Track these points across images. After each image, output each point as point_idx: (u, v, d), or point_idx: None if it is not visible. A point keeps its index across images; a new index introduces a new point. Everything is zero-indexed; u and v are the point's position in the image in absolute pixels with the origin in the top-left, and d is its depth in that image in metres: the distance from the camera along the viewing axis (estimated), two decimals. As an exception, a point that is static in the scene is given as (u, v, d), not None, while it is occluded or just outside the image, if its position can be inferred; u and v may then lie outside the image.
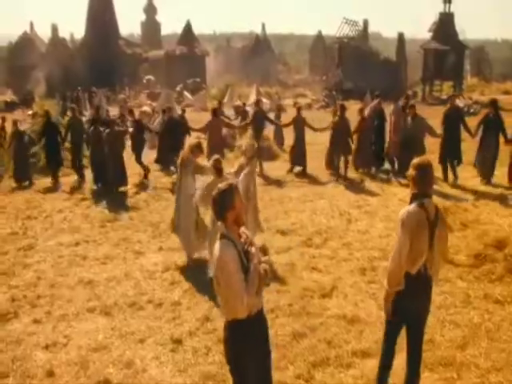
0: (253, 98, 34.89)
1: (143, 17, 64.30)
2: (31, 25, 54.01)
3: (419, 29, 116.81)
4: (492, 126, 10.36)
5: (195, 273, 6.49)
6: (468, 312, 5.35)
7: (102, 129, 10.94)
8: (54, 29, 50.00)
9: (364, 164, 11.91)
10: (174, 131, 12.32)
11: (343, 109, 11.44)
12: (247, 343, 3.14)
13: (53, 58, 45.67)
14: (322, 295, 5.73)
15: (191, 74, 44.63)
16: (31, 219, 9.07)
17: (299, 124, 12.36)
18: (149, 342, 4.93)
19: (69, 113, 15.76)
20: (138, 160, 11.97)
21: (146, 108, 25.19)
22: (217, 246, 3.06)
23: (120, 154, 10.89)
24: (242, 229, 3.17)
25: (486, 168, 10.58)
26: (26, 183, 11.82)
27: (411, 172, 3.65)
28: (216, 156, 6.32)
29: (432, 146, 11.10)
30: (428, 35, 43.02)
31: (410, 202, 3.61)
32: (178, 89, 37.99)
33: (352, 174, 11.66)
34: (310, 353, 4.62)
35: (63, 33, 55.64)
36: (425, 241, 3.50)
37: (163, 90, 28.40)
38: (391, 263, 3.58)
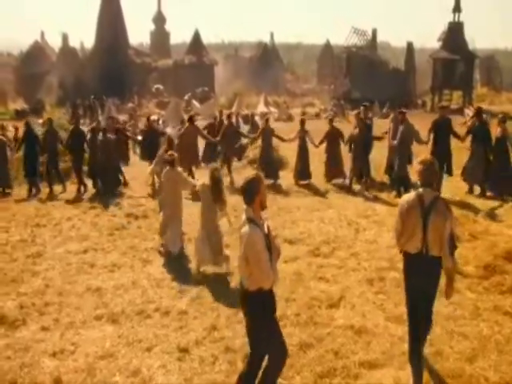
0: (261, 107, 35.13)
1: (152, 26, 64.90)
2: (42, 34, 54.87)
3: (428, 38, 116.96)
4: (479, 135, 10.26)
5: (202, 282, 6.50)
6: (477, 324, 5.30)
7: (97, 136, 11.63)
8: (65, 38, 50.70)
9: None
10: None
11: (361, 121, 11.38)
12: (269, 309, 3.69)
13: (63, 67, 46.23)
14: (329, 305, 5.71)
15: (200, 83, 44.95)
16: (40, 227, 9.13)
17: (267, 135, 12.36)
18: (156, 351, 4.93)
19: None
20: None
21: (154, 117, 25.38)
22: (246, 228, 3.55)
23: (113, 160, 11.47)
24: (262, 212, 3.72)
25: (476, 178, 10.44)
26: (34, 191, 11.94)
27: (417, 166, 4.24)
28: (171, 152, 7.79)
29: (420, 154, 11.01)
30: (437, 45, 43.07)
31: (413, 190, 4.22)
32: (186, 98, 38.27)
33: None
34: (317, 363, 4.59)
35: (73, 42, 56.35)
36: (415, 223, 4.02)
37: (172, 99, 28.65)
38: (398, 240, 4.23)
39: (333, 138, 11.95)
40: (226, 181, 10.10)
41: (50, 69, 47.27)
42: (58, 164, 12.13)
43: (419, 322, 4.22)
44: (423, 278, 4.10)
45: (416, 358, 4.21)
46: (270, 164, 12.12)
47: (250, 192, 3.62)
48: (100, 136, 11.75)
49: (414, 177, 10.14)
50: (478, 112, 10.60)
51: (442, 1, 46.22)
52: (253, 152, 14.28)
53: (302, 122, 12.46)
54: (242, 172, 13.41)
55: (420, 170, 4.15)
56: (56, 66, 48.09)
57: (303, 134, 12.19)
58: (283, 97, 46.30)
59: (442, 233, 4.01)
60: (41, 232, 8.81)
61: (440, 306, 5.63)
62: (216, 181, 6.53)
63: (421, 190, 4.09)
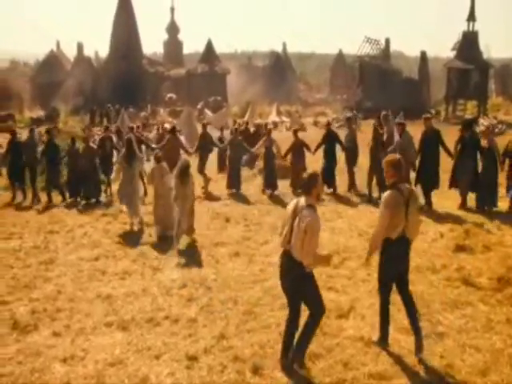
0: (273, 116, 35.25)
1: (166, 36, 65.62)
2: (58, 44, 55.71)
3: (442, 47, 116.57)
4: (468, 147, 10.08)
5: (212, 290, 6.52)
6: (490, 337, 5.23)
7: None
8: (80, 47, 51.47)
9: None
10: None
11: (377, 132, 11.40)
12: (314, 276, 4.59)
13: (78, 76, 46.90)
14: (338, 316, 5.68)
15: (212, 92, 45.27)
16: (53, 233, 9.23)
17: (235, 146, 12.43)
18: (164, 358, 4.94)
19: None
20: None
21: (167, 125, 25.59)
22: (307, 211, 4.31)
23: (94, 169, 11.66)
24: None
25: (467, 187, 10.28)
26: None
27: (387, 168, 4.79)
28: (157, 151, 9.77)
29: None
30: (451, 54, 42.92)
31: (390, 188, 4.73)
32: (199, 107, 38.56)
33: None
34: (326, 374, 4.56)
35: (88, 51, 57.12)
36: (402, 214, 4.64)
37: (184, 108, 28.85)
38: (374, 231, 4.83)
39: (299, 148, 12.23)
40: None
41: (65, 78, 47.98)
42: (57, 174, 12.18)
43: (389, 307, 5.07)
44: (403, 258, 4.83)
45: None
46: (236, 177, 12.28)
47: (309, 184, 4.41)
48: (77, 145, 12.15)
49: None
50: (468, 123, 10.42)
51: (456, 10, 46.28)
52: (262, 162, 14.37)
53: (269, 132, 12.63)
54: (252, 181, 13.47)
55: (391, 169, 4.74)
56: (71, 74, 48.81)
57: (269, 144, 12.31)
58: (295, 106, 46.41)
59: (417, 218, 4.88)
60: (54, 239, 8.91)
61: (452, 319, 5.60)
62: (184, 166, 8.17)
63: (400, 186, 4.71)
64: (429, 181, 10.34)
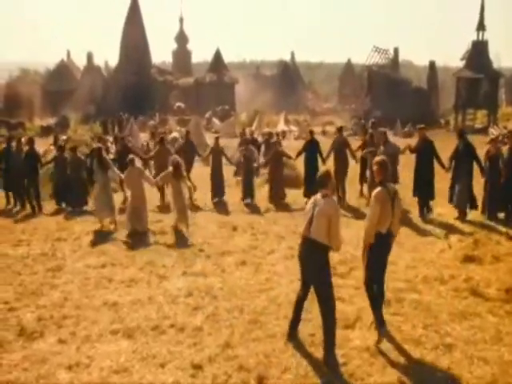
0: (281, 125, 35.31)
1: (175, 45, 66.20)
2: (68, 53, 56.43)
3: (451, 57, 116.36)
4: (463, 157, 10.00)
5: (218, 299, 6.50)
6: (498, 349, 5.16)
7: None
8: (90, 57, 52.04)
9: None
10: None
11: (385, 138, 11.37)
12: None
13: (87, 85, 47.36)
14: (345, 326, 5.64)
15: (220, 101, 45.49)
16: (61, 241, 9.28)
17: (216, 155, 12.47)
18: (169, 367, 4.93)
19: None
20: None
21: (175, 134, 25.73)
22: (325, 200, 4.90)
23: (81, 178, 11.82)
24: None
25: (461, 201, 10.16)
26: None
27: (375, 167, 5.32)
28: (131, 156, 10.16)
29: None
30: (461, 63, 42.81)
31: (379, 186, 5.22)
32: (207, 116, 38.73)
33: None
34: (331, 385, 4.52)
35: (98, 60, 57.76)
36: (389, 210, 5.12)
37: (192, 117, 28.99)
38: (367, 226, 5.20)
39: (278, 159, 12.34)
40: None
41: (75, 86, 48.48)
42: (36, 184, 12.14)
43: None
44: (389, 252, 5.40)
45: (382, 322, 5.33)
46: (219, 185, 12.34)
47: (324, 180, 4.98)
48: (66, 154, 12.32)
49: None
50: (461, 133, 10.34)
51: (465, 19, 46.33)
52: (263, 171, 14.46)
53: (247, 142, 12.84)
54: (260, 190, 13.47)
55: (379, 169, 5.26)
56: (81, 83, 49.31)
57: (250, 154, 12.45)
58: (304, 115, 46.45)
59: (400, 215, 5.42)
60: (61, 246, 8.95)
61: (460, 330, 5.54)
62: (176, 164, 9.53)
63: (387, 184, 5.22)
64: (424, 192, 10.37)
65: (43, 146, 18.95)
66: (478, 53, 39.69)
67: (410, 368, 4.79)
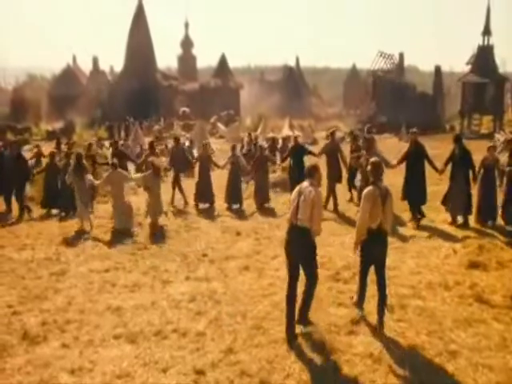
0: (285, 130, 35.31)
1: (180, 51, 66.53)
2: (74, 58, 56.79)
3: (457, 61, 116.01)
4: (459, 162, 9.94)
5: (221, 304, 6.49)
6: (503, 356, 5.12)
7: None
8: (95, 62, 52.37)
9: None
10: None
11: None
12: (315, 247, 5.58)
13: (93, 90, 47.63)
14: (348, 332, 5.61)
15: (225, 105, 45.61)
16: (65, 245, 9.31)
17: (204, 161, 12.53)
18: (171, 372, 4.92)
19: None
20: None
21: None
22: (311, 188, 5.38)
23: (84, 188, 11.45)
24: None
25: (459, 207, 10.08)
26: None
27: (370, 167, 5.76)
28: (114, 160, 11.17)
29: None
30: (466, 68, 42.71)
31: (370, 185, 5.64)
32: (211, 120, 38.80)
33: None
34: (334, 391, 4.50)
35: (104, 65, 58.03)
36: (379, 207, 5.48)
37: (197, 122, 29.05)
38: (359, 222, 5.62)
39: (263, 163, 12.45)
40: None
41: (81, 91, 48.75)
42: (20, 187, 12.08)
43: (367, 281, 5.99)
44: (381, 244, 5.67)
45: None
46: (206, 190, 12.31)
47: (312, 171, 5.55)
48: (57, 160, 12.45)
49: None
50: (457, 139, 10.27)
51: (471, 24, 46.34)
52: (272, 175, 14.46)
53: (233, 148, 12.80)
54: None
55: (372, 169, 5.70)
56: (86, 88, 49.59)
57: (235, 160, 12.44)
58: (308, 120, 46.42)
59: (391, 212, 5.72)
60: (65, 250, 8.98)
61: (464, 337, 5.50)
62: (156, 165, 10.55)
63: (378, 183, 5.60)
64: (416, 196, 10.30)
65: (49, 150, 19.02)
66: (484, 58, 39.58)
67: (414, 375, 4.76)
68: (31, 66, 67.45)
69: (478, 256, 7.94)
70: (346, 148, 13.55)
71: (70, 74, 53.44)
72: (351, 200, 12.43)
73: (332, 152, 11.97)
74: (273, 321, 5.94)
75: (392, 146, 23.52)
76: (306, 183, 5.49)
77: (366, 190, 5.62)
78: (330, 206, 11.66)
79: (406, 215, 10.58)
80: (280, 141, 20.85)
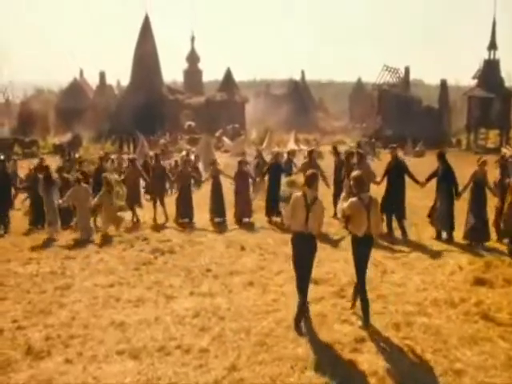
0: (291, 144, 35.41)
1: (186, 65, 67.09)
2: (81, 72, 57.40)
3: (463, 75, 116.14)
4: (443, 179, 10.02)
5: (225, 320, 6.47)
6: (509, 375, 5.06)
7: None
8: (102, 76, 52.88)
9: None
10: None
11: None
12: None
13: (100, 104, 48.06)
14: (353, 349, 5.57)
15: (231, 119, 45.83)
16: (70, 259, 9.33)
17: (183, 177, 12.57)
18: (174, 389, 4.89)
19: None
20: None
21: (184, 153, 25.87)
22: (319, 202, 6.16)
23: (52, 200, 11.60)
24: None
25: (442, 223, 10.14)
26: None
27: (352, 181, 6.35)
28: (79, 173, 11.99)
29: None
30: (472, 82, 42.75)
31: (354, 196, 6.23)
32: (217, 134, 39.00)
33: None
34: (338, 410, 4.45)
35: (110, 79, 58.50)
36: (363, 217, 6.05)
37: (202, 136, 29.20)
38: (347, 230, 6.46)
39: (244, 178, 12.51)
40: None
41: (88, 105, 49.18)
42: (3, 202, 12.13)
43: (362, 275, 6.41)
44: (366, 249, 6.24)
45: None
46: (186, 205, 12.26)
47: (312, 180, 6.16)
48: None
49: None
50: (441, 155, 10.34)
51: (476, 38, 46.47)
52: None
53: (214, 162, 12.98)
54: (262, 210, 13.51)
55: (354, 183, 6.25)
56: (93, 102, 50.04)
57: (216, 174, 12.55)
58: (314, 134, 46.56)
59: (378, 219, 6.42)
60: (70, 264, 9.00)
61: (470, 355, 5.44)
62: (108, 182, 11.39)
63: (361, 195, 6.14)
64: (395, 211, 10.42)
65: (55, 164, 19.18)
66: (490, 72, 39.67)
67: (419, 394, 4.71)
68: (38, 79, 68.26)
69: (484, 273, 7.88)
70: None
71: (76, 88, 53.99)
72: (335, 215, 12.14)
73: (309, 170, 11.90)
74: (277, 338, 5.91)
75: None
76: (310, 194, 6.05)
77: (349, 201, 6.33)
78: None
79: (412, 231, 10.56)
80: (285, 155, 20.84)
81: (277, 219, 12.08)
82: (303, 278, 6.21)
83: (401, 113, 43.49)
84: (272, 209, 12.13)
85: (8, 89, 55.42)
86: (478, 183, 9.94)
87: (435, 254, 9.16)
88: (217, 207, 12.28)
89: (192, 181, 13.44)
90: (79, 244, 10.46)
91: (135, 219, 12.40)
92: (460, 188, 10.11)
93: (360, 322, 6.25)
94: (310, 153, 12.45)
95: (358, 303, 6.76)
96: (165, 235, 11.05)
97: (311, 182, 6.20)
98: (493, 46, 40.08)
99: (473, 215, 9.85)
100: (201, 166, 23.33)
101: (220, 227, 11.86)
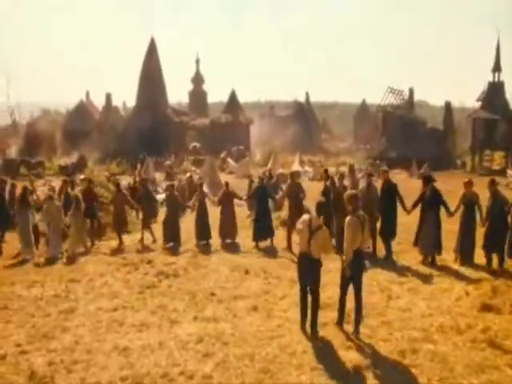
0: (296, 165, 35.50)
1: (191, 86, 67.75)
2: (87, 94, 58.04)
3: (467, 96, 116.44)
4: (430, 203, 9.99)
5: (229, 345, 6.42)
6: (518, 405, 4.97)
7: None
8: (108, 97, 53.39)
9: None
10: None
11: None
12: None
13: (106, 125, 48.47)
14: (357, 377, 5.51)
15: (235, 141, 46.02)
16: (74, 282, 9.32)
17: (171, 200, 12.61)
18: (178, 418, 4.83)
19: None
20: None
21: (189, 174, 25.97)
22: (323, 228, 6.68)
23: (27, 221, 11.73)
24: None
25: (427, 247, 10.09)
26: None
27: (347, 200, 6.74)
28: (49, 193, 12.56)
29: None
30: (477, 103, 42.84)
31: (350, 214, 6.57)
32: (221, 156, 39.14)
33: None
34: None
35: (116, 101, 58.92)
36: (360, 233, 6.50)
37: (207, 158, 29.31)
38: (346, 246, 6.55)
39: (229, 199, 12.60)
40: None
41: (94, 126, 49.61)
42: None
43: (346, 294, 6.88)
44: (359, 263, 6.67)
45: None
46: (173, 230, 12.25)
47: (319, 209, 7.34)
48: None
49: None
50: (428, 179, 10.36)
51: (481, 59, 46.84)
52: (284, 213, 14.49)
53: (201, 185, 13.09)
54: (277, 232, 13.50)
55: (349, 200, 6.68)
56: (99, 123, 50.47)
57: (202, 197, 12.62)
58: (319, 156, 46.64)
59: (368, 235, 7.28)
60: (74, 287, 8.99)
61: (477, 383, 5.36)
62: (78, 201, 11.89)
63: (357, 212, 6.56)
64: (386, 232, 10.57)
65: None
66: (495, 94, 39.80)
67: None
68: (45, 101, 69.09)
69: (491, 298, 7.78)
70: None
71: (83, 109, 54.51)
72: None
73: (293, 193, 11.84)
74: (280, 364, 5.86)
75: (402, 183, 23.38)
76: (314, 221, 6.62)
77: (347, 219, 6.59)
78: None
79: (417, 256, 10.49)
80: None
81: (266, 243, 12.06)
82: (304, 291, 6.86)
83: (405, 134, 43.58)
84: (260, 234, 12.06)
85: (15, 110, 56.15)
86: (467, 205, 9.94)
87: (441, 279, 9.08)
88: (201, 231, 12.36)
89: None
90: (84, 266, 10.45)
91: (120, 244, 12.45)
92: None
93: (366, 349, 6.18)
94: (292, 175, 12.50)
95: (362, 329, 6.74)
96: (169, 258, 11.04)
97: (356, 202, 6.63)
98: (497, 68, 40.30)
99: (462, 238, 9.91)
100: (205, 187, 23.39)
101: (227, 249, 11.87)
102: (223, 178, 25.90)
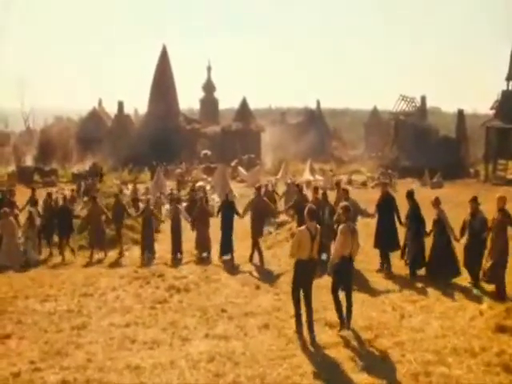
0: (307, 174, 35.46)
1: (202, 94, 68.08)
2: (100, 102, 58.64)
3: (480, 103, 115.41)
4: (411, 217, 10.15)
5: (240, 365, 6.41)
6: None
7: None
8: (120, 105, 53.85)
9: None
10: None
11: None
12: None
13: (118, 133, 48.88)
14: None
15: (246, 149, 46.14)
16: (87, 296, 9.39)
17: (148, 215, 12.92)
18: None
19: None
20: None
21: (201, 183, 26.10)
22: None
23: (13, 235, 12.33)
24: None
25: (411, 262, 10.17)
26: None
27: (340, 211, 7.75)
28: (31, 209, 13.22)
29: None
30: (491, 111, 42.39)
31: (343, 223, 7.39)
32: (232, 164, 39.25)
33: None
34: None
35: (128, 109, 59.47)
36: (349, 239, 7.25)
37: (218, 166, 29.43)
38: (335, 250, 7.43)
39: (204, 213, 12.86)
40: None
41: (106, 134, 50.02)
42: None
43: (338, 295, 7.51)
44: (348, 268, 7.44)
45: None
46: (175, 242, 12.70)
47: (313, 214, 7.23)
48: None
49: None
50: (409, 195, 10.36)
51: (494, 66, 46.45)
52: (289, 225, 14.50)
53: (172, 200, 13.77)
54: (281, 245, 13.49)
55: (343, 211, 7.47)
56: (111, 131, 50.90)
57: (175, 212, 13.04)
58: (330, 164, 46.50)
59: (358, 243, 7.46)
60: (87, 302, 9.05)
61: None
62: (31, 217, 12.85)
63: (348, 223, 7.34)
64: (387, 244, 10.60)
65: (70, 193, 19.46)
66: (508, 103, 39.35)
67: None
68: (59, 108, 69.81)
69: (506, 319, 7.62)
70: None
71: (95, 117, 55.08)
72: None
73: (257, 207, 11.99)
74: (292, 386, 5.82)
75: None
76: (313, 228, 7.08)
77: (340, 227, 7.37)
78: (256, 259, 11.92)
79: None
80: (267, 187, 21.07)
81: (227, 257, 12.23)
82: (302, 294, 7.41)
83: (418, 143, 43.29)
84: (226, 248, 12.25)
85: (30, 116, 56.85)
86: (436, 224, 9.96)
87: (454, 297, 8.94)
88: (175, 245, 12.68)
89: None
90: (97, 280, 10.51)
91: (91, 257, 12.80)
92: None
93: (379, 372, 6.13)
94: (258, 188, 12.74)
95: (375, 350, 6.68)
96: (180, 271, 11.08)
97: (311, 216, 7.17)
98: (510, 77, 39.93)
99: (434, 253, 9.97)
100: (216, 196, 23.48)
101: (229, 263, 11.96)
102: (234, 186, 25.99)
